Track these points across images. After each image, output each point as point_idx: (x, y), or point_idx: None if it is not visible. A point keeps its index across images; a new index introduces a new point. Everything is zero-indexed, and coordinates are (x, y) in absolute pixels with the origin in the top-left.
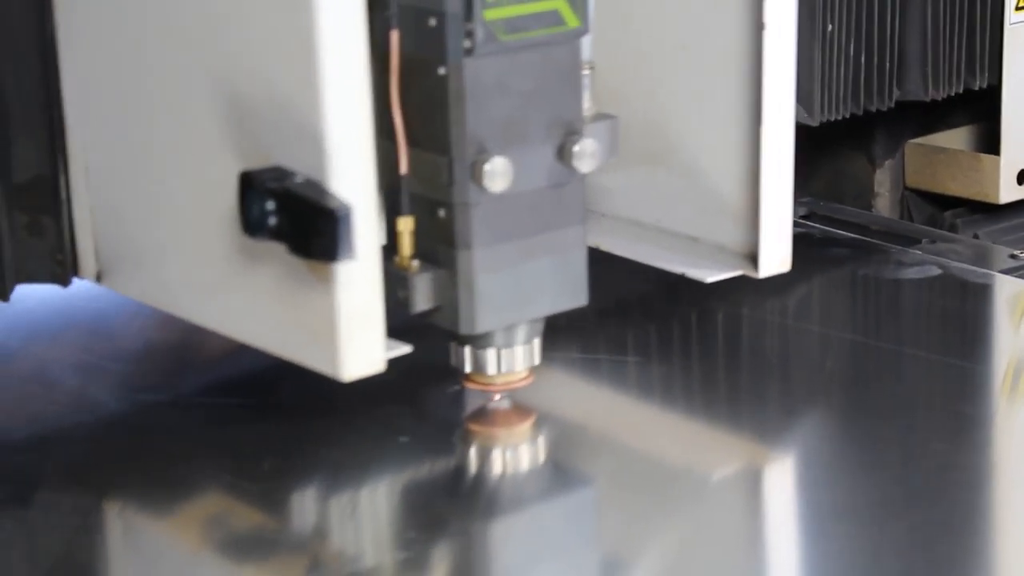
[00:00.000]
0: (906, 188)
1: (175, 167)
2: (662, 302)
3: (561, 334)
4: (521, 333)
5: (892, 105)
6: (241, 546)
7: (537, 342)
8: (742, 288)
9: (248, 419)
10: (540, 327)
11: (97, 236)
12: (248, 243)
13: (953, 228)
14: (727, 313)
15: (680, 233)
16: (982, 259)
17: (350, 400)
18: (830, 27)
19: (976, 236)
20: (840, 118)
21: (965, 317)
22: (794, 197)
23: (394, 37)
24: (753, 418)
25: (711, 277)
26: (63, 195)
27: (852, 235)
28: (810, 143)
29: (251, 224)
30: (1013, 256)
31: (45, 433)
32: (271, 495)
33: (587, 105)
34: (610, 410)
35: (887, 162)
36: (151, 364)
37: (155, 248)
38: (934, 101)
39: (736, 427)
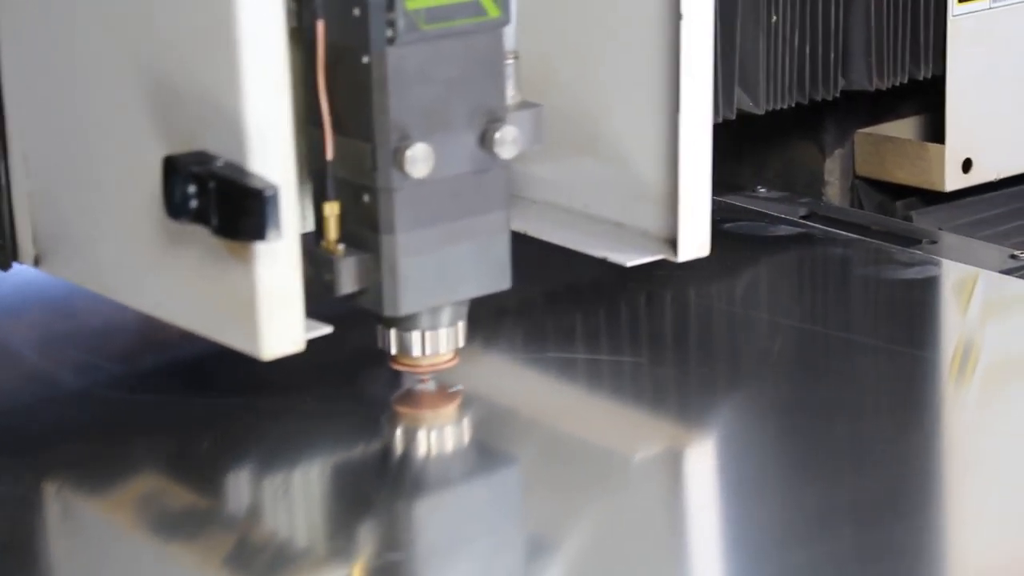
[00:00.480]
0: (856, 177)
1: (105, 152)
2: (635, 289)
3: (502, 320)
4: (446, 315)
5: (837, 95)
6: (172, 524)
7: (462, 325)
8: (737, 285)
9: (190, 399)
10: (465, 310)
11: (35, 221)
12: (172, 226)
13: (907, 218)
14: (721, 311)
15: (606, 219)
16: (982, 259)
17: (286, 381)
18: (775, 18)
19: (939, 228)
20: (786, 107)
21: (965, 317)
22: (793, 198)
23: (319, 26)
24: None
25: (631, 261)
26: (2, 181)
27: (852, 235)
28: (761, 133)
29: (174, 207)
30: (1013, 256)
31: None
32: (206, 474)
33: (511, 94)
34: (535, 391)
35: (837, 151)
36: (99, 342)
37: (89, 232)
38: (882, 91)
39: (667, 411)
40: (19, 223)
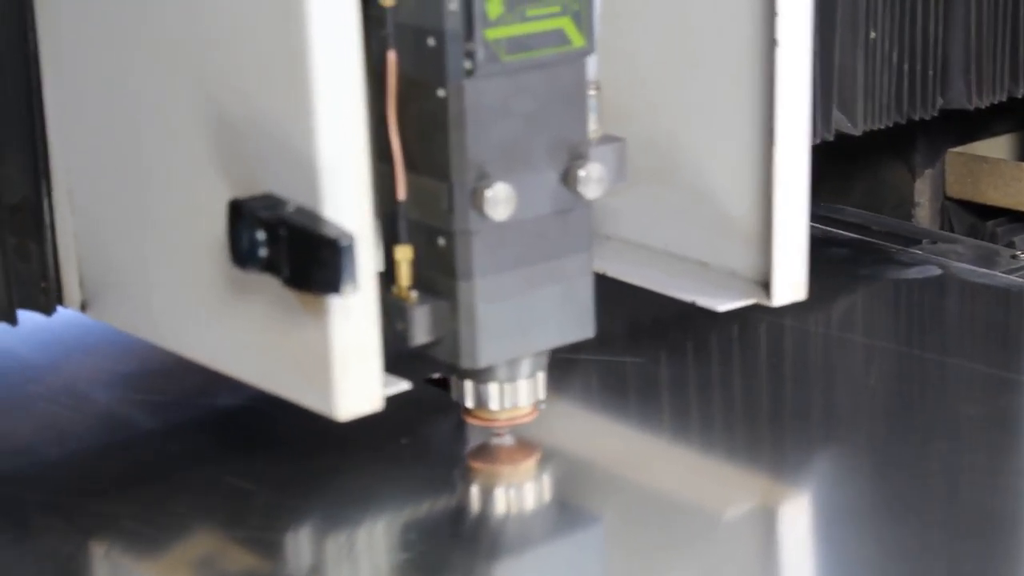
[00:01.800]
0: (946, 198)
1: (162, 193)
2: (662, 323)
3: (575, 361)
4: (525, 367)
5: (935, 114)
6: None
7: (542, 376)
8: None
9: (243, 451)
10: (545, 360)
11: (81, 263)
12: (237, 274)
13: (993, 238)
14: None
15: (689, 258)
16: (983, 259)
17: (346, 433)
18: (873, 35)
19: (1011, 244)
20: (883, 127)
21: (965, 318)
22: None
23: (391, 58)
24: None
25: (722, 306)
26: (47, 220)
27: (852, 235)
28: (848, 152)
29: (241, 255)
30: (1014, 256)
31: (34, 462)
32: (265, 535)
33: (593, 127)
34: (617, 443)
35: (927, 171)
36: (147, 390)
37: (141, 277)
38: (976, 109)
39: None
40: (64, 265)
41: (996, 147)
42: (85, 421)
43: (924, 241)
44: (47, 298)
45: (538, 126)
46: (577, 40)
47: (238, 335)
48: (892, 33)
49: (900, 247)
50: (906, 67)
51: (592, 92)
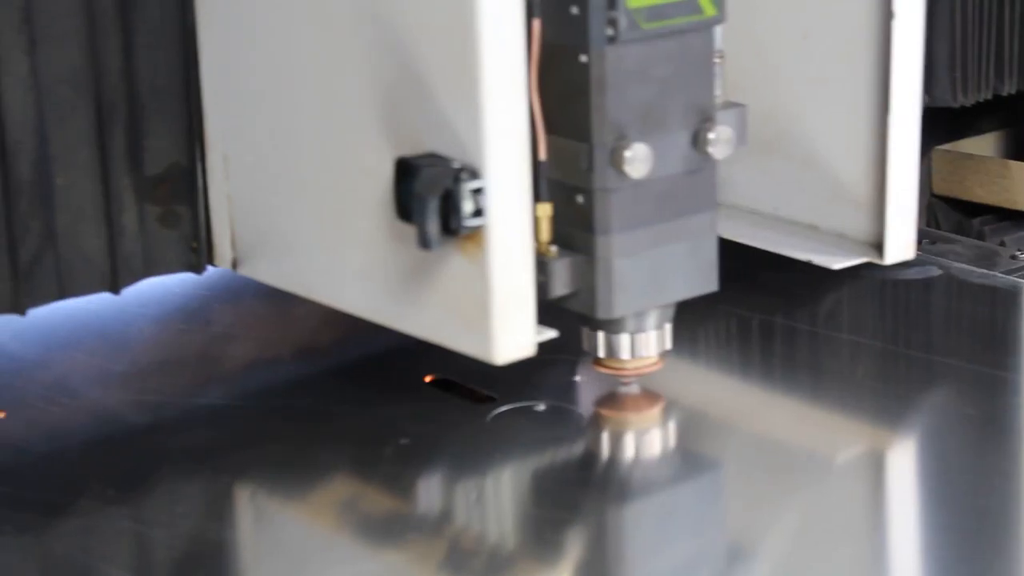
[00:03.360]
0: (933, 195)
1: (321, 155)
2: (746, 295)
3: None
4: (653, 318)
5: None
6: (378, 530)
7: (668, 327)
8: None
9: (366, 401)
10: (671, 313)
11: (234, 224)
12: (400, 228)
13: (980, 236)
14: (723, 312)
15: (799, 221)
16: (982, 259)
17: (476, 381)
18: None
19: (1003, 243)
20: None
21: (965, 318)
22: None
23: (536, 25)
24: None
25: (837, 264)
26: (200, 184)
27: None
28: None
29: (406, 209)
30: (1013, 257)
31: (168, 421)
32: (398, 480)
33: (718, 93)
34: (735, 395)
35: None
36: (269, 353)
37: (295, 235)
38: (961, 108)
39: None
40: (216, 226)
41: (982, 145)
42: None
43: (924, 241)
44: (198, 258)
45: (672, 90)
46: (709, 9)
47: (397, 286)
48: None
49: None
50: None
51: (717, 60)
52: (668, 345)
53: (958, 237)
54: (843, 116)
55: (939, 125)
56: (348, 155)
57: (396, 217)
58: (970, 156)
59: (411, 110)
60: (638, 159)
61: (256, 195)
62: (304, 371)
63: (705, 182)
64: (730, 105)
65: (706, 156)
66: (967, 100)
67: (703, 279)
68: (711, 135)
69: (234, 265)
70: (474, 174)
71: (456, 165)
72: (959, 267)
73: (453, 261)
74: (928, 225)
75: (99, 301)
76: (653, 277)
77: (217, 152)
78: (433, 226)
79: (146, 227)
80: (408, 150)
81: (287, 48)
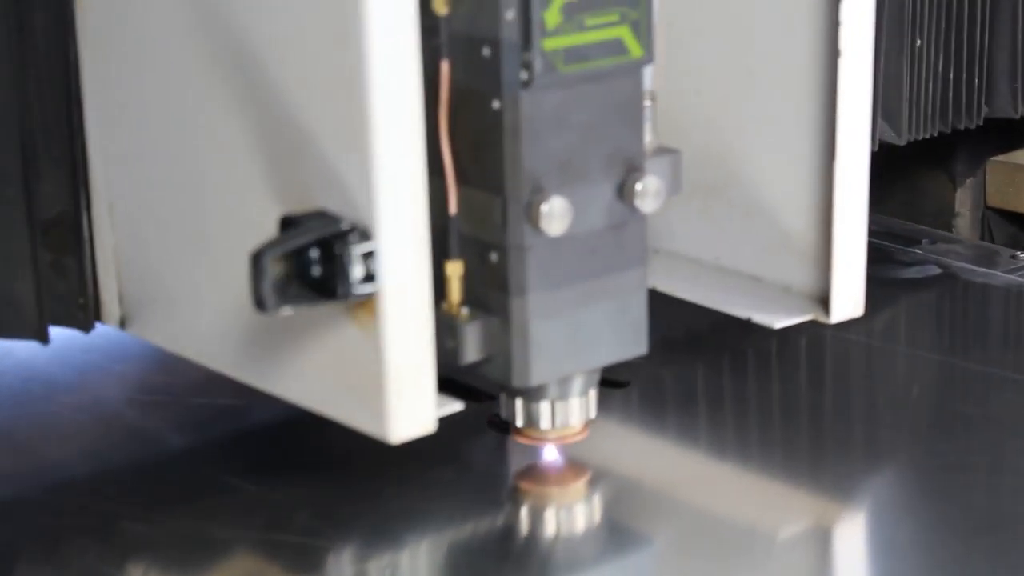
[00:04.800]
0: (987, 207)
1: (209, 208)
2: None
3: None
4: (577, 385)
5: (980, 123)
6: None
7: (593, 394)
8: None
9: (283, 470)
10: (596, 378)
11: (121, 279)
12: None
13: None
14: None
15: (742, 272)
16: (983, 259)
17: (389, 450)
18: (919, 42)
19: None
20: (927, 137)
21: (966, 318)
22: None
23: (444, 68)
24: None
25: (779, 323)
26: (85, 235)
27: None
28: (887, 161)
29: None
30: (1014, 256)
31: (70, 481)
32: (306, 554)
33: (648, 138)
34: (662, 462)
35: (968, 180)
36: (183, 406)
37: (183, 293)
38: (1018, 118)
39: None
40: (103, 281)
41: None
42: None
43: (924, 241)
44: (85, 315)
45: (594, 138)
46: (636, 50)
47: (287, 355)
48: (938, 41)
49: (900, 247)
50: (951, 75)
51: (647, 103)
52: (592, 413)
53: (958, 237)
54: (788, 160)
55: (994, 136)
56: (232, 210)
57: None
58: None
59: (298, 163)
60: (556, 214)
61: (142, 249)
62: (202, 437)
63: (632, 236)
64: (662, 152)
65: (633, 209)
66: None
67: (631, 341)
68: (638, 186)
69: (122, 323)
70: (365, 235)
71: (345, 225)
72: (959, 266)
73: (345, 330)
74: (982, 238)
75: None
76: (575, 340)
77: (102, 201)
78: (266, 286)
79: (40, 275)
80: (295, 206)
81: (169, 94)
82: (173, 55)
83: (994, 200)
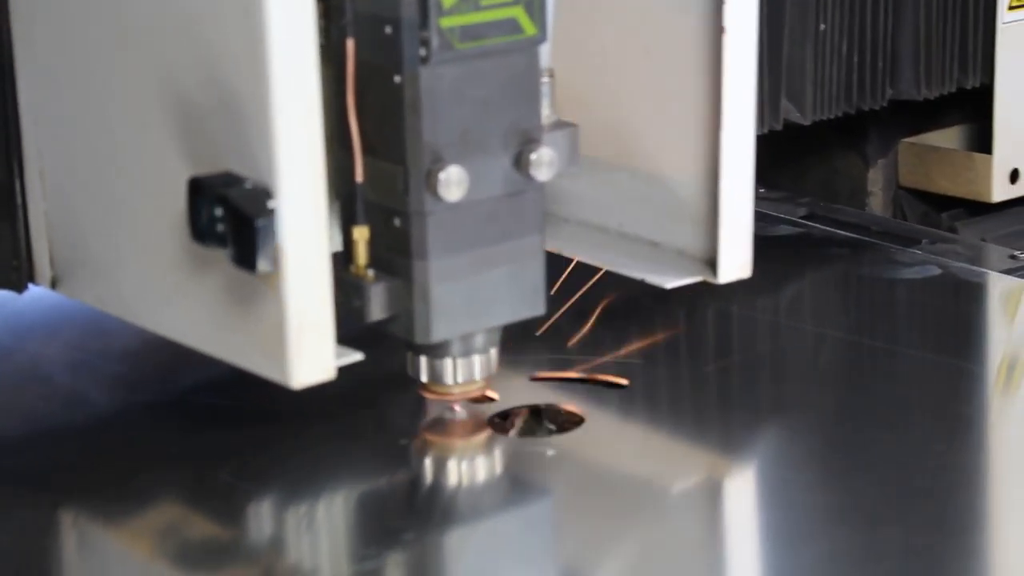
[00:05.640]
0: (899, 187)
1: (128, 172)
2: (643, 302)
3: (525, 338)
4: (478, 342)
5: (885, 104)
6: (194, 556)
7: (494, 351)
8: (734, 287)
9: (209, 425)
10: (498, 336)
11: (52, 242)
12: (199, 249)
13: (952, 229)
14: (716, 311)
15: (642, 238)
16: (982, 259)
17: (309, 407)
18: (823, 26)
19: (983, 239)
20: (832, 117)
21: (964, 317)
22: (793, 197)
23: (349, 45)
24: (724, 424)
25: (670, 283)
26: (18, 200)
27: (851, 235)
28: (803, 142)
29: (200, 231)
30: (1013, 256)
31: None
32: (228, 504)
33: (546, 113)
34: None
35: (880, 161)
36: (119, 368)
37: (109, 254)
38: (928, 100)
39: (703, 436)
40: (36, 243)
41: (948, 137)
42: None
43: (924, 241)
44: (18, 276)
45: (491, 112)
46: (529, 29)
47: (200, 309)
48: (842, 25)
49: (900, 247)
50: (855, 59)
51: (545, 79)
52: (494, 369)
53: (957, 236)
54: (681, 133)
55: (906, 118)
56: (150, 174)
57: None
58: (935, 149)
59: (206, 127)
60: (453, 182)
61: (72, 213)
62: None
63: (529, 204)
64: (560, 125)
65: (529, 178)
66: (931, 93)
67: (528, 303)
68: (533, 156)
69: (53, 284)
70: (267, 194)
71: (249, 185)
72: (958, 266)
73: (250, 286)
74: (894, 216)
75: None
76: (474, 301)
77: (34, 168)
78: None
79: None
80: (205, 168)
81: (92, 66)
82: (91, 26)
83: (906, 180)
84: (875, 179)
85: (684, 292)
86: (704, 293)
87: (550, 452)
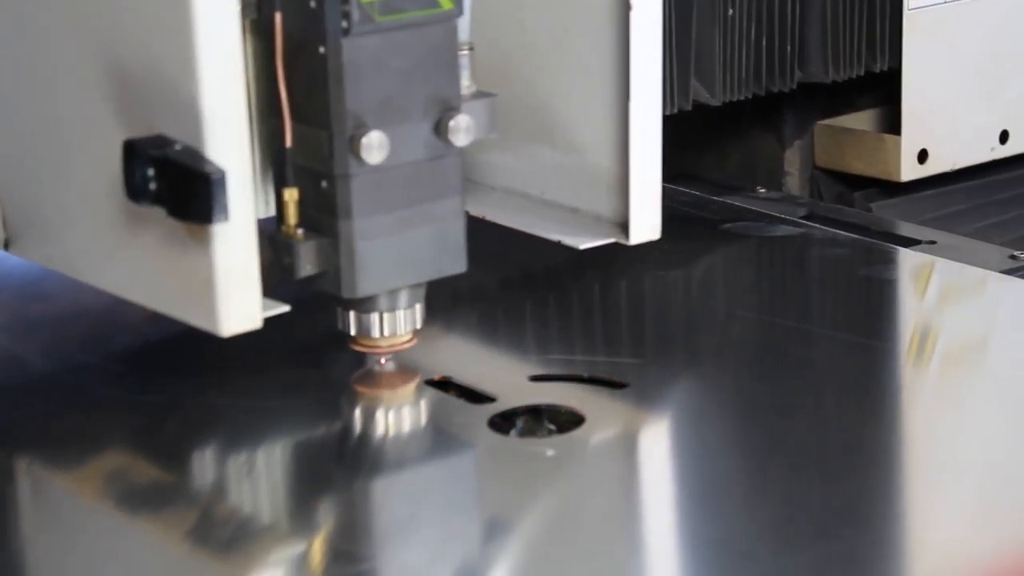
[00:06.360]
0: (815, 167)
1: (68, 137)
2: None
3: (464, 304)
4: (404, 297)
5: (794, 87)
6: (137, 499)
7: (420, 307)
8: (737, 285)
9: (152, 381)
10: (422, 293)
11: (4, 205)
12: (134, 208)
13: (865, 208)
14: (716, 311)
15: (563, 204)
16: (981, 259)
17: (248, 364)
18: (731, 12)
19: (868, 210)
20: (743, 98)
21: (965, 317)
22: (793, 198)
23: (278, 18)
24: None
25: (584, 244)
26: None
27: (852, 235)
28: (722, 124)
29: (134, 190)
30: (1013, 256)
31: None
32: (172, 453)
33: (466, 84)
34: (498, 373)
35: (796, 142)
36: (62, 328)
37: (57, 215)
38: (841, 84)
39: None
40: None
41: (862, 120)
42: None
43: (924, 242)
44: None
45: (412, 81)
46: (446, 3)
47: (136, 263)
48: (750, 11)
49: (900, 247)
50: (764, 42)
51: (465, 52)
52: (419, 323)
53: (957, 236)
54: (597, 105)
55: (820, 101)
56: (88, 137)
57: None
58: (849, 130)
59: (139, 93)
60: (374, 146)
61: (21, 178)
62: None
63: (449, 168)
64: (479, 95)
65: (448, 144)
66: (839, 76)
67: (451, 260)
68: (452, 123)
69: (6, 245)
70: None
71: (179, 147)
72: (957, 266)
73: (181, 241)
74: (811, 196)
75: None
76: (399, 258)
77: None
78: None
79: None
80: (138, 132)
81: (30, 32)
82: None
83: (821, 160)
84: (792, 160)
85: (686, 292)
86: (709, 293)
87: (550, 452)
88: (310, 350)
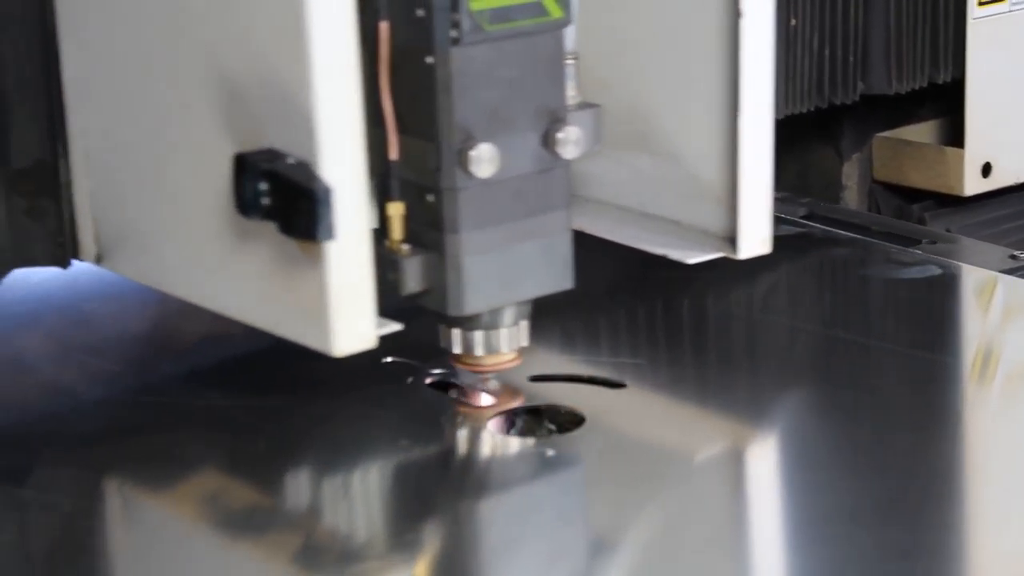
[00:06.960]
0: (874, 181)
1: (172, 150)
2: (650, 292)
3: (547, 321)
4: (508, 315)
5: (856, 99)
6: (236, 523)
7: (524, 324)
8: (737, 283)
9: (244, 401)
10: (528, 309)
11: (97, 219)
12: (242, 223)
13: (921, 221)
14: (717, 311)
15: (663, 217)
16: (982, 259)
17: (345, 381)
18: (793, 22)
19: (948, 230)
20: (804, 111)
21: (962, 317)
22: (793, 198)
23: (383, 28)
24: (743, 406)
25: (692, 259)
26: (63, 179)
27: (852, 235)
28: (779, 136)
29: (244, 204)
30: (1013, 256)
31: (47, 413)
32: (266, 475)
33: (572, 94)
34: (597, 393)
35: (855, 155)
36: (150, 348)
37: (153, 230)
38: (901, 95)
39: (723, 412)
40: (80, 221)
41: (922, 132)
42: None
43: (924, 241)
44: (63, 252)
45: (519, 91)
46: (555, 12)
47: (243, 281)
48: (813, 20)
49: (900, 247)
50: (827, 53)
51: (570, 61)
52: (524, 341)
53: (958, 236)
54: (701, 115)
55: (879, 113)
56: (194, 151)
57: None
58: (908, 143)
59: (249, 105)
60: (484, 159)
61: (116, 191)
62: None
63: (557, 181)
64: (584, 106)
65: (556, 156)
66: (902, 87)
67: (557, 276)
68: (560, 135)
69: (98, 260)
70: (312, 169)
71: (291, 161)
72: (959, 266)
73: (293, 257)
74: (869, 210)
75: None
76: (505, 275)
77: (79, 148)
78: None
79: (14, 220)
80: (248, 146)
81: (137, 46)
82: (136, 5)
83: (880, 174)
84: (850, 173)
85: (687, 294)
86: (703, 291)
87: (550, 452)
88: (405, 366)
